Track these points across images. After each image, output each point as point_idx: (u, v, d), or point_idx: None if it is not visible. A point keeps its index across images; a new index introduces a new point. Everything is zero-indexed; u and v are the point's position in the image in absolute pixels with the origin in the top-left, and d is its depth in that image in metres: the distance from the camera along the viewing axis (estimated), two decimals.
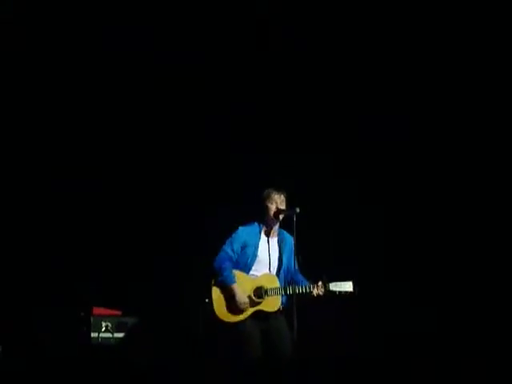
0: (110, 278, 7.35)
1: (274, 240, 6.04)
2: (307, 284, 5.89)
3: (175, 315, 7.18)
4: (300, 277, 5.98)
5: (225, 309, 5.82)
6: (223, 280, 5.83)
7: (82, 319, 6.87)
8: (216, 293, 5.85)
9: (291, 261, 5.94)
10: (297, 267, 6.02)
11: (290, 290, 5.80)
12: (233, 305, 5.81)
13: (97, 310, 6.88)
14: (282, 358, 5.76)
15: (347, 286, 5.93)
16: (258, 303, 5.84)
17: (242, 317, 5.81)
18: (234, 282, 5.82)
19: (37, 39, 7.27)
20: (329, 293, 5.90)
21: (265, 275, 5.94)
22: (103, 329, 6.86)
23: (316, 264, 6.06)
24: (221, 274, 5.84)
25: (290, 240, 5.97)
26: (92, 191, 7.46)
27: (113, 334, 6.87)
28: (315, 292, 5.87)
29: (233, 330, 5.82)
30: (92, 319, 6.83)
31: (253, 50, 7.46)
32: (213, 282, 5.86)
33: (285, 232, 6.05)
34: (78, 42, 7.34)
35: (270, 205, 5.94)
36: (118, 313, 6.95)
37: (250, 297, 5.83)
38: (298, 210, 5.74)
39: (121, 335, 6.87)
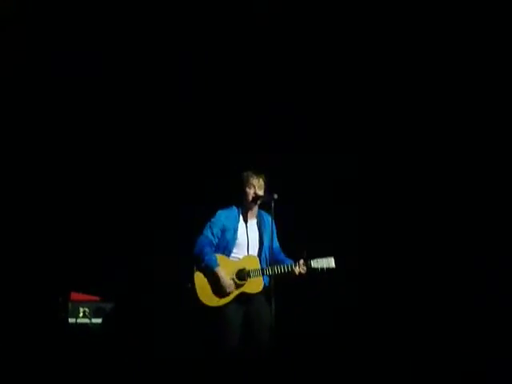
0: (90, 262, 7.31)
1: (253, 222, 6.06)
2: (289, 263, 5.92)
3: (154, 300, 7.20)
4: (282, 256, 6.02)
5: (209, 293, 5.83)
6: (206, 265, 5.84)
7: (59, 304, 6.87)
8: (199, 278, 5.86)
9: (271, 241, 5.92)
10: (278, 246, 6.05)
11: (271, 271, 5.80)
12: (217, 289, 5.82)
13: (75, 296, 6.87)
14: (259, 340, 5.80)
15: (329, 262, 5.93)
16: (241, 285, 5.86)
17: (225, 300, 5.83)
18: (217, 265, 5.83)
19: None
20: (311, 270, 5.92)
21: (246, 257, 5.96)
22: (81, 314, 6.86)
23: (294, 243, 6.10)
24: (202, 259, 5.85)
25: (269, 220, 5.95)
26: (71, 173, 7.42)
27: (90, 319, 6.86)
28: (297, 270, 5.89)
29: (215, 314, 5.83)
30: (70, 305, 6.83)
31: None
32: (195, 268, 5.88)
33: (263, 212, 6.06)
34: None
35: (247, 189, 5.96)
36: (96, 298, 6.93)
37: (232, 280, 5.85)
38: (275, 196, 5.75)
39: (98, 321, 6.88)
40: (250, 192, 5.95)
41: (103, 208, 7.45)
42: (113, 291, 7.05)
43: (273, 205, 5.74)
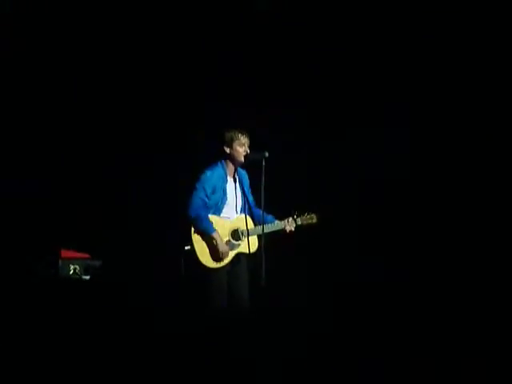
0: (80, 220, 7.36)
1: (234, 180, 6.07)
2: (272, 219, 5.99)
3: (154, 263, 7.27)
4: (259, 211, 5.98)
5: (208, 255, 5.90)
6: (203, 229, 5.88)
7: (49, 262, 6.89)
8: (197, 240, 5.92)
9: (252, 196, 6.05)
10: (253, 201, 6.07)
11: (264, 229, 5.86)
12: (214, 252, 5.89)
13: (65, 253, 6.90)
14: (240, 298, 5.95)
15: (311, 218, 6.09)
16: (237, 246, 5.95)
17: (225, 262, 5.92)
18: (214, 230, 5.88)
19: None
20: (297, 227, 6.07)
21: (239, 217, 6.01)
22: (71, 272, 6.89)
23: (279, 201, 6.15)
24: (200, 223, 5.88)
25: (246, 176, 6.06)
26: (55, 127, 7.40)
27: (80, 276, 6.90)
28: (288, 228, 6.01)
29: (208, 277, 5.92)
30: (60, 262, 6.86)
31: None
32: (192, 230, 5.91)
33: (239, 169, 6.08)
34: None
35: (239, 148, 5.95)
36: (87, 256, 6.96)
37: (229, 241, 5.93)
38: (266, 154, 5.74)
39: (88, 278, 6.92)
40: (241, 150, 5.95)
41: (91, 166, 7.44)
42: (102, 249, 7.08)
43: (264, 163, 5.72)
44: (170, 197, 6.95)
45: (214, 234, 5.88)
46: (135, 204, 7.45)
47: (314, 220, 6.11)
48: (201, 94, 7.43)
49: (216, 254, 5.88)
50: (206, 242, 5.90)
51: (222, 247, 5.87)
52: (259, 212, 5.94)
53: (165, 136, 7.46)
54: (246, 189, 6.07)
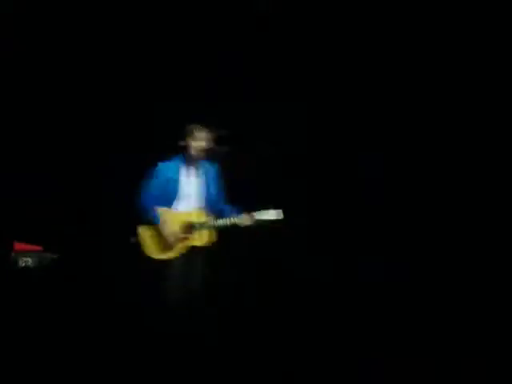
0: (33, 211, 7.30)
1: (196, 173, 6.02)
2: (235, 215, 5.94)
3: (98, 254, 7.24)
4: (227, 207, 5.99)
5: (154, 247, 5.89)
6: (149, 218, 5.87)
7: (1, 255, 6.83)
8: (144, 232, 5.90)
9: (216, 191, 5.99)
10: (223, 196, 6.05)
11: (217, 224, 5.87)
12: (163, 242, 5.87)
13: (18, 246, 6.85)
14: (192, 290, 5.89)
15: (275, 214, 5.93)
16: (187, 239, 5.90)
17: (172, 254, 5.89)
18: (159, 219, 5.85)
19: None
20: (258, 222, 5.93)
21: (192, 210, 5.97)
22: (23, 265, 6.84)
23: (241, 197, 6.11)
24: (146, 213, 5.86)
25: (214, 169, 6.00)
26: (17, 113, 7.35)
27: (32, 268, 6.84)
28: (243, 223, 5.93)
29: (159, 266, 5.89)
30: (13, 255, 6.81)
31: None
32: (140, 222, 5.89)
33: (207, 163, 6.03)
34: None
35: (193, 142, 5.92)
36: (39, 248, 6.92)
37: (178, 233, 5.89)
38: (226, 148, 5.88)
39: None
40: (195, 144, 5.93)
41: (48, 153, 7.38)
42: (55, 241, 7.03)
43: (221, 157, 5.79)
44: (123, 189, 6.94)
45: (160, 223, 5.85)
46: (91, 196, 7.41)
47: (280, 216, 5.93)
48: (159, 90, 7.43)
49: (163, 244, 5.86)
50: (153, 233, 5.88)
51: (170, 236, 5.85)
52: (226, 208, 5.96)
53: (124, 128, 7.48)
54: (209, 183, 6.01)
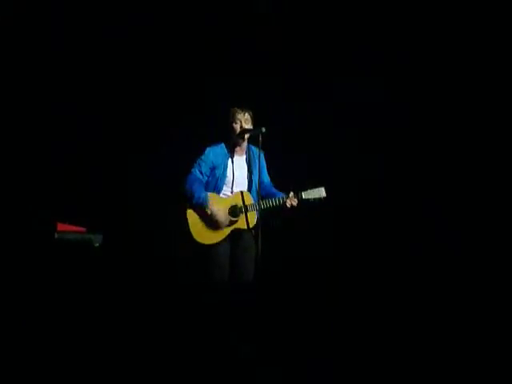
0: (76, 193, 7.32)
1: (242, 157, 6.06)
2: (281, 196, 5.91)
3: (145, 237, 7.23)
4: (274, 190, 6.04)
5: (202, 231, 5.87)
6: (197, 202, 5.84)
7: (46, 235, 6.86)
8: (191, 216, 5.88)
9: (263, 175, 5.99)
10: (269, 180, 6.08)
11: (263, 205, 5.85)
12: (211, 225, 5.86)
13: (61, 226, 6.87)
14: (245, 276, 5.89)
15: (320, 192, 5.95)
16: (235, 222, 5.90)
17: (219, 238, 5.88)
18: (208, 201, 5.85)
19: None
20: (303, 201, 5.94)
21: (237, 193, 5.98)
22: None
23: (284, 177, 6.14)
24: (193, 196, 5.85)
25: (261, 154, 5.96)
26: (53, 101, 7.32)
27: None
28: (289, 203, 5.92)
29: (206, 252, 5.88)
30: (56, 235, 6.83)
31: None
32: (187, 206, 5.87)
33: (253, 147, 6.05)
34: None
35: (234, 124, 5.96)
36: (83, 229, 6.91)
37: (227, 216, 5.89)
38: (263, 129, 5.72)
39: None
40: (237, 127, 5.95)
41: (89, 137, 7.37)
42: (99, 222, 7.04)
43: (260, 138, 5.72)
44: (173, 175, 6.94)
45: (209, 205, 5.85)
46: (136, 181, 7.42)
47: (323, 194, 5.96)
48: (202, 71, 7.39)
49: (213, 226, 5.84)
50: (201, 217, 5.87)
51: (220, 217, 5.84)
52: (273, 191, 6.01)
53: (170, 112, 7.44)
54: (253, 168, 6.00)
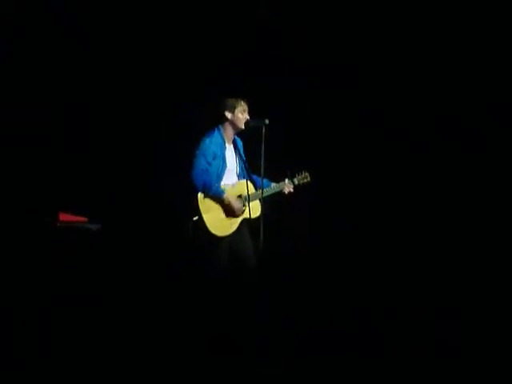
0: (79, 183, 7.33)
1: (231, 147, 6.10)
2: (267, 183, 6.01)
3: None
4: (255, 176, 6.01)
5: (218, 223, 5.91)
6: (215, 193, 5.90)
7: (47, 225, 6.88)
8: (205, 209, 5.91)
9: (246, 162, 6.05)
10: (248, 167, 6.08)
11: (265, 193, 5.90)
12: (228, 213, 5.91)
13: (63, 216, 6.89)
14: (246, 267, 5.94)
15: (306, 177, 6.22)
16: (243, 212, 5.97)
17: (233, 228, 5.95)
18: (223, 191, 5.91)
19: None
20: (297, 186, 6.19)
21: (239, 183, 6.03)
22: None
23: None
24: (210, 188, 5.88)
25: (240, 141, 6.12)
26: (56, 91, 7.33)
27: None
28: (286, 190, 6.11)
29: (215, 243, 5.91)
30: (58, 225, 6.85)
31: None
32: (199, 198, 5.90)
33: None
34: None
35: (240, 115, 5.98)
36: (84, 219, 6.95)
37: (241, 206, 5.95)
38: (267, 121, 5.72)
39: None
40: (242, 117, 5.98)
41: (92, 127, 7.39)
42: (100, 212, 7.07)
43: (264, 130, 5.70)
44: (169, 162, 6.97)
45: (225, 196, 5.90)
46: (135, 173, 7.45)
47: (308, 179, 6.22)
48: (199, 61, 7.39)
49: (230, 214, 5.90)
50: (216, 209, 5.90)
51: (237, 204, 5.91)
52: (255, 177, 5.99)
53: (165, 101, 7.44)
54: (242, 154, 6.08)
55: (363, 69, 7.48)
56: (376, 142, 7.54)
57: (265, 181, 5.93)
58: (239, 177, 6.09)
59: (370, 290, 6.76)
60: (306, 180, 6.20)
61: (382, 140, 7.51)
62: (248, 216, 5.92)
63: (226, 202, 5.90)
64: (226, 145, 6.05)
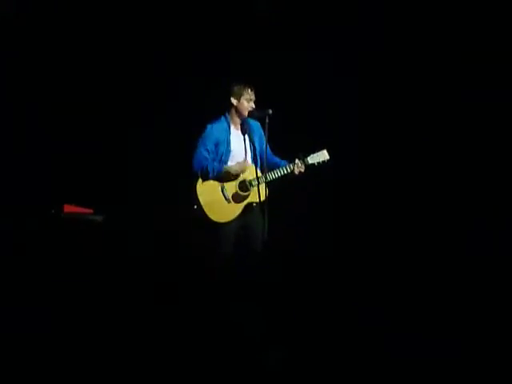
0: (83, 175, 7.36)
1: (238, 131, 6.06)
2: (286, 164, 5.98)
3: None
4: (276, 159, 6.04)
5: (217, 210, 5.91)
6: (214, 175, 5.91)
7: (52, 216, 6.92)
8: (204, 196, 5.93)
9: (263, 146, 5.95)
10: (270, 151, 6.04)
11: (272, 175, 5.91)
12: (223, 203, 5.90)
13: (68, 208, 6.92)
14: (252, 250, 5.94)
15: (323, 155, 6.04)
16: (247, 197, 5.96)
17: (235, 214, 5.94)
18: (223, 167, 5.90)
19: None
20: (308, 166, 6.02)
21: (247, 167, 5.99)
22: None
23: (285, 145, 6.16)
24: (208, 172, 5.89)
25: (257, 125, 6.03)
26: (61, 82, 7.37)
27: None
28: (297, 170, 5.99)
29: (218, 229, 5.92)
30: (63, 217, 6.88)
31: None
32: (198, 185, 5.93)
33: (249, 119, 6.06)
34: None
35: (245, 103, 5.97)
36: (90, 211, 6.97)
37: (236, 193, 5.94)
38: (270, 111, 5.74)
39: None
40: (247, 105, 5.97)
41: (96, 122, 7.42)
42: (104, 204, 7.10)
43: (267, 120, 5.75)
44: (173, 151, 6.97)
45: (224, 168, 5.91)
46: (137, 161, 7.47)
47: (327, 157, 6.04)
48: (203, 46, 7.38)
49: (222, 205, 5.89)
50: (217, 195, 5.92)
51: (239, 166, 5.91)
52: (275, 160, 6.01)
53: (166, 88, 7.45)
54: (256, 139, 6.04)
55: (363, 69, 7.45)
56: (376, 141, 7.52)
57: (283, 162, 5.98)
58: (252, 162, 6.04)
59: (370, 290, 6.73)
60: (323, 158, 6.01)
61: (382, 140, 7.51)
62: (255, 200, 5.88)
63: (227, 174, 5.90)
64: (233, 130, 6.05)
